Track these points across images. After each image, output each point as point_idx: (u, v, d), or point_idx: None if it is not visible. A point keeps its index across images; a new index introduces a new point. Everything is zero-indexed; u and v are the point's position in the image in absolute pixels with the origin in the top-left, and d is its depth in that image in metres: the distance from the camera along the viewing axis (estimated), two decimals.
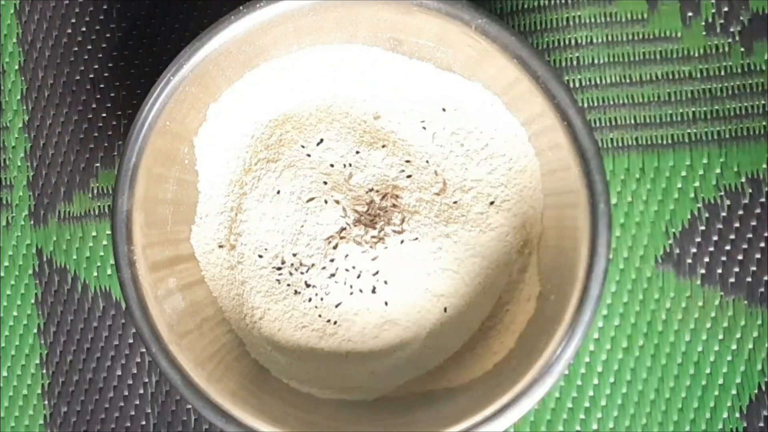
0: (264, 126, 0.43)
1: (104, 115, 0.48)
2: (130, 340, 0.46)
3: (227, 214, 0.43)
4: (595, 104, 0.46)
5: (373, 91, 0.43)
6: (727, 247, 0.45)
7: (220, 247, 0.43)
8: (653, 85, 0.45)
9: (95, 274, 0.47)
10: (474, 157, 0.42)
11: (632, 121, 0.45)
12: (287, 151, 0.42)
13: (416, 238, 0.41)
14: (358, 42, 0.41)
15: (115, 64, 0.48)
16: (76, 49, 0.48)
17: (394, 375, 0.42)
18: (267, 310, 0.42)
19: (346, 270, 0.41)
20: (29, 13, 0.48)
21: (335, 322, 0.42)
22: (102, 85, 0.48)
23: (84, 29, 0.48)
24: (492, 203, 0.42)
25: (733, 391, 0.44)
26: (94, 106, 0.48)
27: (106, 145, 0.48)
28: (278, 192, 0.42)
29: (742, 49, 0.45)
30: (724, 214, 0.45)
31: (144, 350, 0.46)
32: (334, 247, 0.41)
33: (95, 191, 0.48)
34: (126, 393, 0.46)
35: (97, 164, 0.48)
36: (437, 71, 0.42)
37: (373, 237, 0.41)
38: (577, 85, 0.46)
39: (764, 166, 0.45)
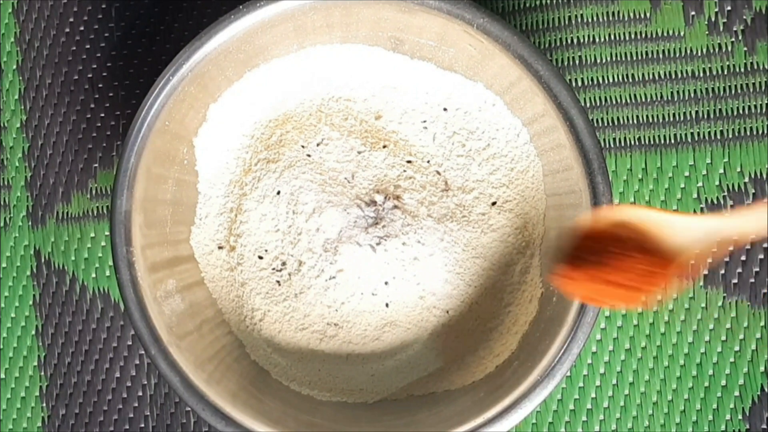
0: (264, 126, 0.43)
1: (103, 115, 0.48)
2: (129, 342, 0.46)
3: (227, 215, 0.42)
4: (598, 104, 0.45)
5: (374, 91, 0.42)
6: (730, 248, 0.44)
7: (220, 248, 0.42)
8: (656, 84, 0.45)
9: (94, 275, 0.47)
10: (475, 157, 0.42)
11: (635, 121, 0.45)
12: (287, 152, 0.42)
13: (417, 240, 0.41)
14: (359, 42, 0.41)
15: (114, 64, 0.48)
16: (74, 48, 0.48)
17: (395, 377, 0.42)
18: (267, 312, 0.42)
19: (347, 272, 0.41)
20: (27, 12, 0.48)
21: (336, 324, 0.41)
22: (101, 85, 0.48)
23: (82, 28, 0.48)
24: (494, 204, 0.41)
25: (736, 393, 0.44)
26: (92, 105, 0.48)
27: (104, 145, 0.48)
28: (278, 193, 0.41)
29: (745, 48, 0.45)
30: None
31: (143, 352, 0.46)
32: (335, 249, 0.41)
33: (94, 192, 0.47)
34: (125, 395, 0.46)
35: (96, 164, 0.47)
36: (438, 71, 0.41)
37: (374, 238, 0.41)
38: (579, 84, 0.46)
39: (767, 165, 0.44)
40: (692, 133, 0.45)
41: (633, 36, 0.45)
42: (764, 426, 0.44)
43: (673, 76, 0.45)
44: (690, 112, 0.45)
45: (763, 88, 0.45)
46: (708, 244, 0.25)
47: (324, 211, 0.41)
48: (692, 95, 0.45)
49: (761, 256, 0.44)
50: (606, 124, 0.45)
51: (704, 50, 0.45)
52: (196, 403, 0.36)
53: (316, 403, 0.41)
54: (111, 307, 0.46)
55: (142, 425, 0.46)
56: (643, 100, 0.45)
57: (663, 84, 0.45)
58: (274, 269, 0.42)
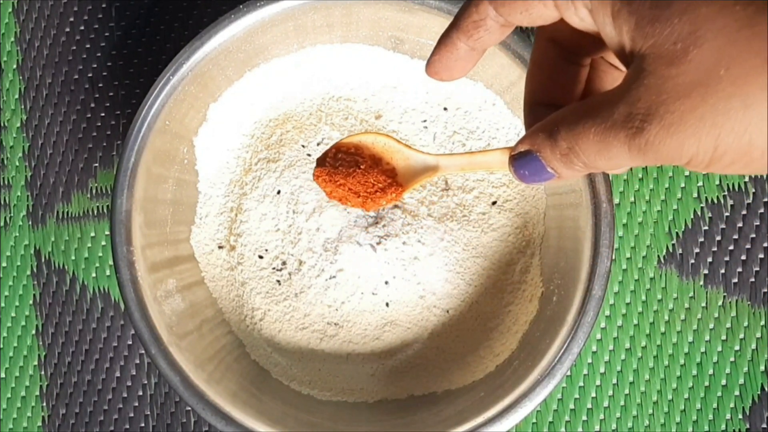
0: (264, 126, 0.43)
1: (103, 114, 0.48)
2: (129, 342, 0.46)
3: (227, 214, 0.42)
4: None
5: (374, 90, 0.42)
6: (730, 247, 0.44)
7: (220, 247, 0.42)
8: None
9: (94, 275, 0.47)
10: None
11: None
12: (288, 151, 0.42)
13: (418, 239, 0.41)
14: (359, 41, 0.41)
15: (114, 63, 0.48)
16: (74, 47, 0.48)
17: (395, 376, 0.42)
18: (267, 312, 0.42)
19: (348, 271, 0.41)
20: (27, 12, 0.48)
21: (336, 324, 0.41)
22: (101, 85, 0.48)
23: (82, 28, 0.48)
24: (494, 203, 0.41)
25: (736, 392, 0.44)
26: (92, 105, 0.48)
27: (104, 144, 0.47)
28: (279, 192, 0.41)
29: None
30: (727, 213, 0.44)
31: (143, 351, 0.46)
32: (335, 249, 0.41)
33: (94, 191, 0.47)
34: (125, 395, 0.46)
35: (96, 164, 0.47)
36: None
37: (374, 238, 0.41)
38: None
39: None
40: None
41: None
42: (764, 425, 0.44)
43: None
44: None
45: None
46: (428, 175, 0.31)
47: (324, 211, 0.41)
48: None
49: (761, 256, 0.44)
50: None
51: None
52: (196, 403, 0.36)
53: (316, 402, 0.41)
54: (111, 307, 0.46)
55: (143, 425, 0.46)
56: None
57: None
58: (274, 269, 0.42)
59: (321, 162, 0.33)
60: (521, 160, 0.26)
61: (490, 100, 0.41)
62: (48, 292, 0.47)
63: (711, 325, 0.44)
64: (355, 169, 0.32)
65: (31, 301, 0.47)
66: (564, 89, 0.27)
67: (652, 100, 0.20)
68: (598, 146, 0.22)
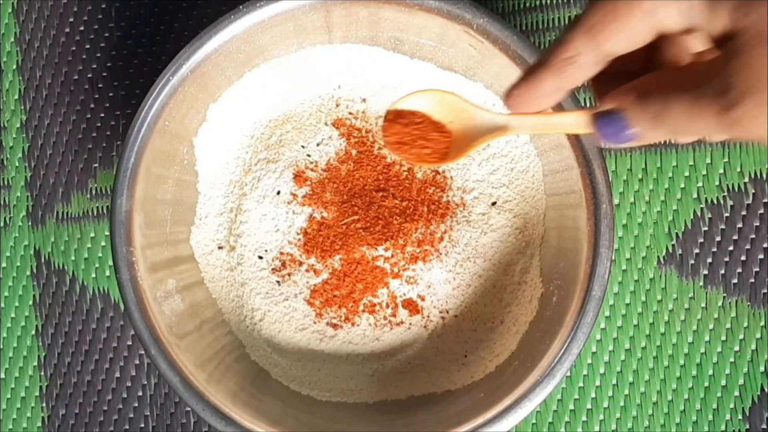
0: (264, 126, 0.43)
1: (103, 114, 0.48)
2: (129, 342, 0.46)
3: (227, 215, 0.42)
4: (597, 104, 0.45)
5: (374, 90, 0.42)
6: (730, 248, 0.44)
7: (220, 248, 0.42)
8: None
9: (93, 275, 0.47)
10: (475, 157, 0.42)
11: None
12: (287, 152, 0.42)
13: (418, 240, 0.41)
14: (359, 41, 0.41)
15: (114, 64, 0.48)
16: (74, 48, 0.48)
17: (395, 377, 0.42)
18: (267, 312, 0.42)
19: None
20: (27, 12, 0.48)
21: (336, 324, 0.41)
22: (100, 85, 0.48)
23: (82, 28, 0.48)
24: (494, 204, 0.41)
25: (736, 393, 0.44)
26: (92, 105, 0.48)
27: (104, 145, 0.47)
28: (278, 192, 0.41)
29: None
30: (726, 214, 0.44)
31: (143, 352, 0.46)
32: (337, 248, 0.41)
33: (94, 192, 0.47)
34: (124, 395, 0.46)
35: (96, 164, 0.47)
36: (438, 71, 0.41)
37: (373, 238, 0.41)
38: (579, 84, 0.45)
39: (767, 165, 0.44)
40: None
41: None
42: (764, 426, 0.44)
43: None
44: None
45: None
46: (496, 135, 0.30)
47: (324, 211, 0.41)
48: None
49: (761, 256, 0.44)
50: None
51: None
52: (196, 403, 0.36)
53: (316, 403, 0.41)
54: (111, 307, 0.46)
55: (142, 425, 0.46)
56: None
57: None
58: (274, 269, 0.42)
59: (393, 122, 0.32)
60: (605, 119, 0.26)
61: (490, 101, 0.41)
62: (48, 293, 0.47)
63: (711, 326, 0.44)
64: (427, 129, 0.32)
65: (30, 302, 0.47)
66: (633, 57, 0.27)
67: (748, 76, 0.21)
68: (688, 114, 0.23)
